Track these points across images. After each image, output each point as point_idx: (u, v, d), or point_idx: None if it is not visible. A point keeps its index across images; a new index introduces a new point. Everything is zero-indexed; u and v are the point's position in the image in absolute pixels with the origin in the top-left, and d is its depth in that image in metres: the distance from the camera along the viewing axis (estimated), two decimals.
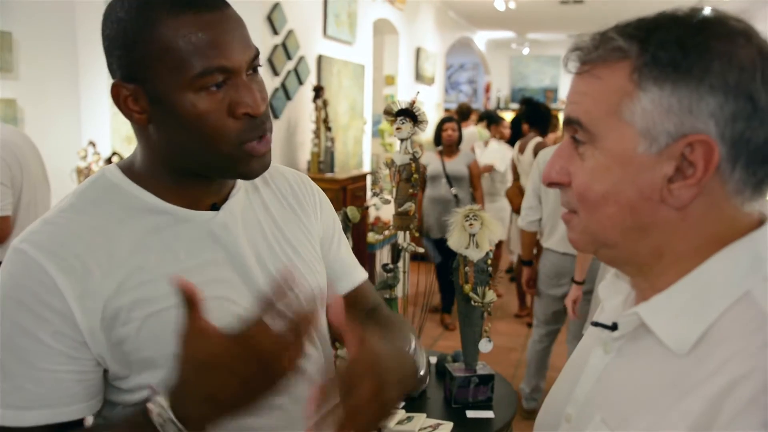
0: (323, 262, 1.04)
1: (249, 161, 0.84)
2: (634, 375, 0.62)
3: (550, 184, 0.66)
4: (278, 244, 0.95)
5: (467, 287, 1.74)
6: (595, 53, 0.62)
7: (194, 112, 0.79)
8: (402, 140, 1.72)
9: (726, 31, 0.58)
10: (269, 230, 0.95)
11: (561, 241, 2.98)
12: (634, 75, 0.59)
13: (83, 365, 0.80)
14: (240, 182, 0.95)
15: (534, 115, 4.75)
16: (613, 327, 0.65)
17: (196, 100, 0.79)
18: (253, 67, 0.84)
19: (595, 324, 0.69)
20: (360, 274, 1.11)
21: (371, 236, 4.11)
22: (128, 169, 0.89)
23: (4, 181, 2.34)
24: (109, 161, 3.90)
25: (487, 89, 12.60)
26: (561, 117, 5.89)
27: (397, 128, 1.70)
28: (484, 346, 1.79)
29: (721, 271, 0.58)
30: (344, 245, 1.11)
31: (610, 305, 0.72)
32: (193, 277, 0.83)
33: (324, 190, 1.12)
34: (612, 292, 0.72)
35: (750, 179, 0.58)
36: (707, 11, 0.60)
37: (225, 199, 0.92)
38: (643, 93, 0.58)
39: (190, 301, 0.69)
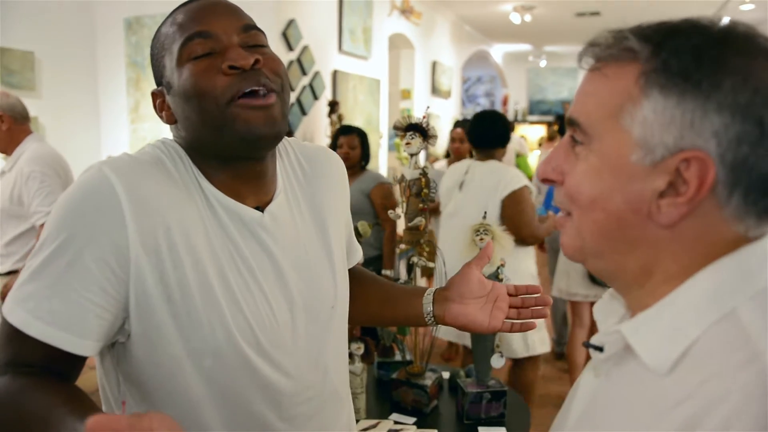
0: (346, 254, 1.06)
1: (247, 118, 0.82)
2: (617, 399, 0.60)
3: (544, 180, 0.65)
4: (313, 249, 0.96)
5: None
6: (608, 51, 0.59)
7: (187, 81, 0.83)
8: (412, 155, 1.72)
9: (749, 48, 0.54)
10: (305, 235, 0.96)
11: None
12: (640, 79, 0.56)
13: (110, 303, 0.78)
14: (281, 184, 0.95)
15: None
16: (602, 349, 0.62)
17: (187, 71, 0.83)
18: (252, 43, 0.86)
19: (587, 345, 0.65)
20: (359, 254, 1.16)
21: None
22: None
23: (60, 189, 2.57)
24: None
25: (505, 102, 12.59)
26: None
27: (407, 143, 1.70)
28: (496, 361, 1.78)
29: (705, 288, 0.55)
30: (351, 223, 1.13)
31: (604, 326, 0.69)
32: (239, 270, 0.85)
33: None
34: (607, 313, 0.69)
35: (751, 208, 0.54)
36: (725, 21, 0.57)
37: (269, 202, 0.92)
38: (647, 100, 0.55)
39: None
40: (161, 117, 0.90)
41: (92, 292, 0.76)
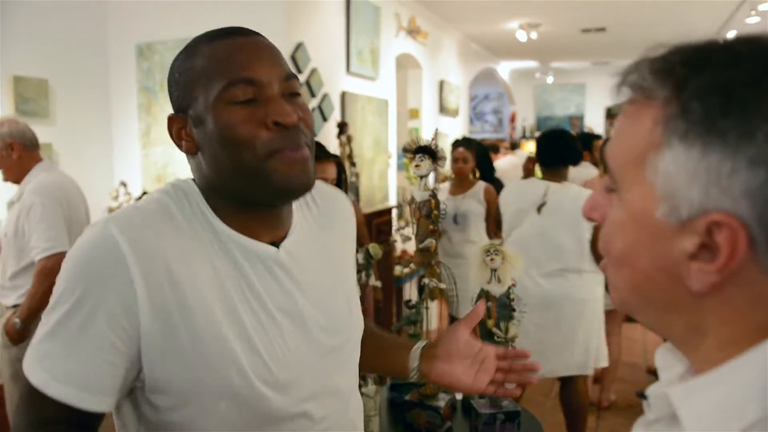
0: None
1: (286, 171, 0.83)
2: None
3: (589, 219, 0.59)
4: (329, 284, 0.96)
5: (490, 323, 1.73)
6: (633, 85, 0.52)
7: (225, 125, 0.82)
8: (421, 177, 1.74)
9: None
10: (321, 270, 0.96)
11: None
12: (659, 125, 0.48)
13: (122, 359, 0.79)
14: (296, 219, 0.95)
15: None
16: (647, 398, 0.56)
17: (226, 114, 0.82)
18: (291, 91, 0.86)
19: (640, 396, 0.59)
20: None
21: (398, 269, 4.12)
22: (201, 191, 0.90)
23: (61, 220, 2.54)
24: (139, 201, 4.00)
25: (513, 119, 12.62)
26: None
27: (416, 165, 1.72)
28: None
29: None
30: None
31: (665, 377, 0.59)
32: (254, 309, 0.85)
33: None
34: (670, 361, 0.58)
35: None
36: (732, 35, 0.50)
37: (284, 237, 0.92)
38: (668, 150, 0.47)
39: None
40: (179, 145, 0.89)
41: (105, 350, 0.78)
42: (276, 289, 0.88)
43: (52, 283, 2.52)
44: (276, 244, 0.91)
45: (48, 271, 2.44)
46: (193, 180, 0.92)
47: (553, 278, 2.78)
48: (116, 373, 0.80)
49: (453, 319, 3.69)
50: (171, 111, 0.90)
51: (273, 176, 0.83)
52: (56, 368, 0.78)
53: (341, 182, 2.52)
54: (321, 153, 2.38)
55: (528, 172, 3.67)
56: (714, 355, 0.50)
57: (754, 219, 0.44)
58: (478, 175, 4.02)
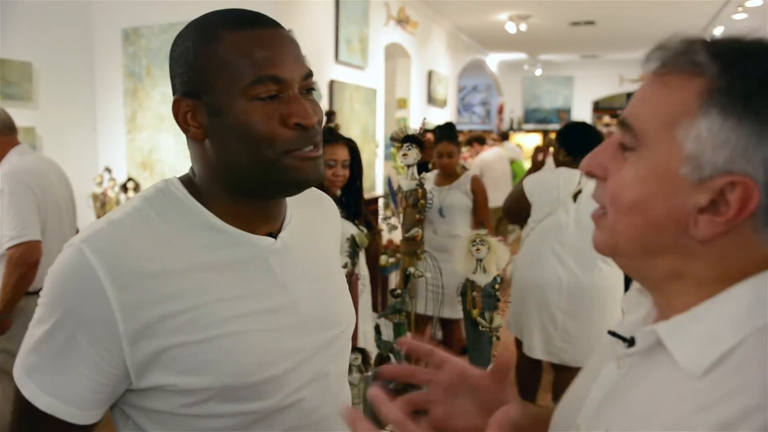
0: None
1: (301, 166, 0.84)
2: (643, 391, 0.61)
3: (588, 173, 0.67)
4: (323, 276, 0.97)
5: (475, 312, 1.74)
6: (675, 59, 0.59)
7: (247, 120, 0.81)
8: (408, 166, 1.74)
9: None
10: (315, 263, 0.97)
11: None
12: (702, 96, 0.56)
13: (107, 377, 0.80)
14: (291, 212, 0.96)
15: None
16: (630, 342, 0.65)
17: (249, 109, 0.81)
18: (307, 87, 0.86)
19: (612, 334, 0.68)
20: None
21: (383, 259, 4.12)
22: (189, 184, 0.89)
23: (31, 207, 2.43)
24: (124, 187, 3.97)
25: (500, 110, 12.65)
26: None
27: (404, 154, 1.72)
28: None
29: (744, 300, 0.57)
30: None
31: (630, 319, 0.71)
32: (249, 305, 0.84)
33: None
34: (634, 305, 0.71)
35: None
36: (719, 31, 0.59)
37: (279, 229, 0.92)
38: (704, 118, 0.56)
39: None
40: (185, 130, 0.86)
41: (88, 368, 0.79)
42: (273, 284, 0.88)
43: (22, 273, 2.45)
44: (273, 235, 0.91)
45: (16, 260, 2.35)
46: (191, 172, 0.90)
47: (591, 268, 2.80)
48: (100, 390, 0.80)
49: (421, 318, 3.43)
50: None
51: (288, 171, 0.83)
52: (44, 381, 0.79)
53: (355, 164, 2.49)
54: (331, 137, 2.41)
55: (536, 162, 3.54)
56: (688, 291, 0.61)
57: (764, 184, 0.54)
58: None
